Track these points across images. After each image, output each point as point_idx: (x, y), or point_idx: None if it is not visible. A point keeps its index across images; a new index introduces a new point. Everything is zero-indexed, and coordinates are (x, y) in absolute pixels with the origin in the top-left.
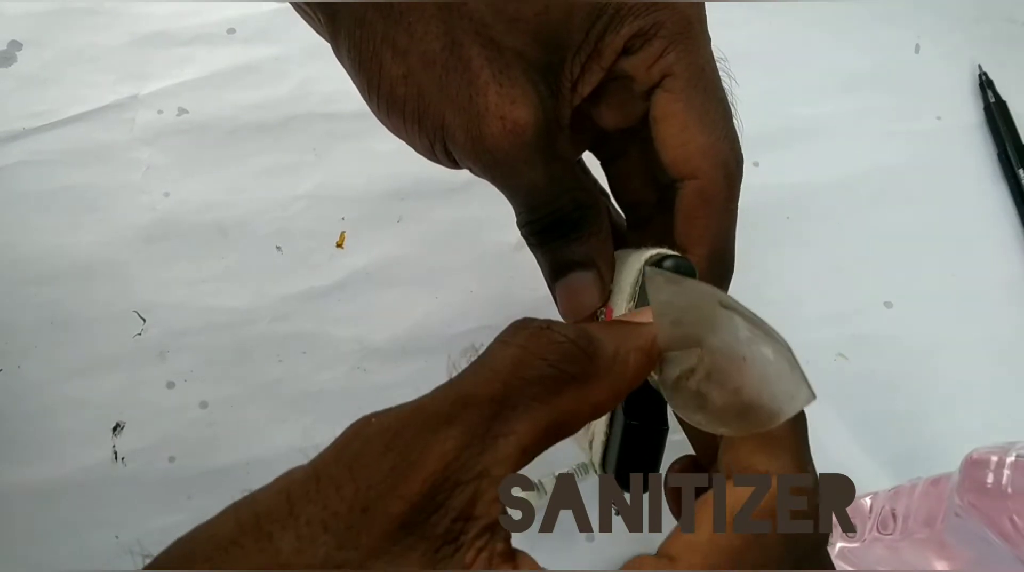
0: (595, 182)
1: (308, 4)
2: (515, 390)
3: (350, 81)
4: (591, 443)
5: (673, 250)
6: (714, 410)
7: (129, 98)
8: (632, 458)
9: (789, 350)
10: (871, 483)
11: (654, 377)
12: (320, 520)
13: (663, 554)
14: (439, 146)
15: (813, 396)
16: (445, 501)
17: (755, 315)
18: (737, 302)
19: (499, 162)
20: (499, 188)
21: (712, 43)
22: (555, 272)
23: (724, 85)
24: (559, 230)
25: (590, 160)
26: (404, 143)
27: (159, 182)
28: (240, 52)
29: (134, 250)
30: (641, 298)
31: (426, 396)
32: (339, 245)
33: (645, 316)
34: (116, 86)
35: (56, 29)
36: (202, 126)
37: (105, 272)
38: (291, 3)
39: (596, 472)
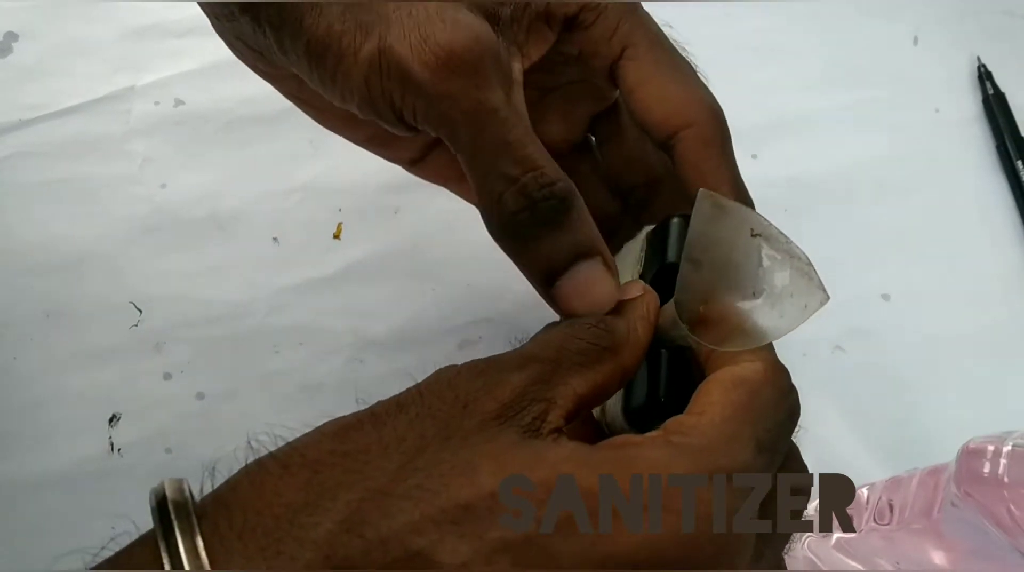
0: None
1: (247, 12)
2: (565, 357)
3: None
4: (603, 407)
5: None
6: (722, 337)
7: (125, 89)
8: (670, 381)
9: (807, 264)
10: (868, 474)
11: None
12: (428, 413)
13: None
14: (375, 79)
15: (827, 297)
16: (527, 406)
17: (781, 234)
18: (767, 224)
19: (449, 72)
20: (457, 138)
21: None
22: (551, 271)
23: (677, 45)
24: (548, 202)
25: None
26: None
27: (155, 174)
28: None
29: (130, 241)
30: (646, 271)
31: (494, 356)
32: (336, 237)
33: (634, 290)
34: (112, 77)
35: (52, 20)
36: (199, 118)
37: (101, 264)
38: (230, 38)
39: (623, 426)
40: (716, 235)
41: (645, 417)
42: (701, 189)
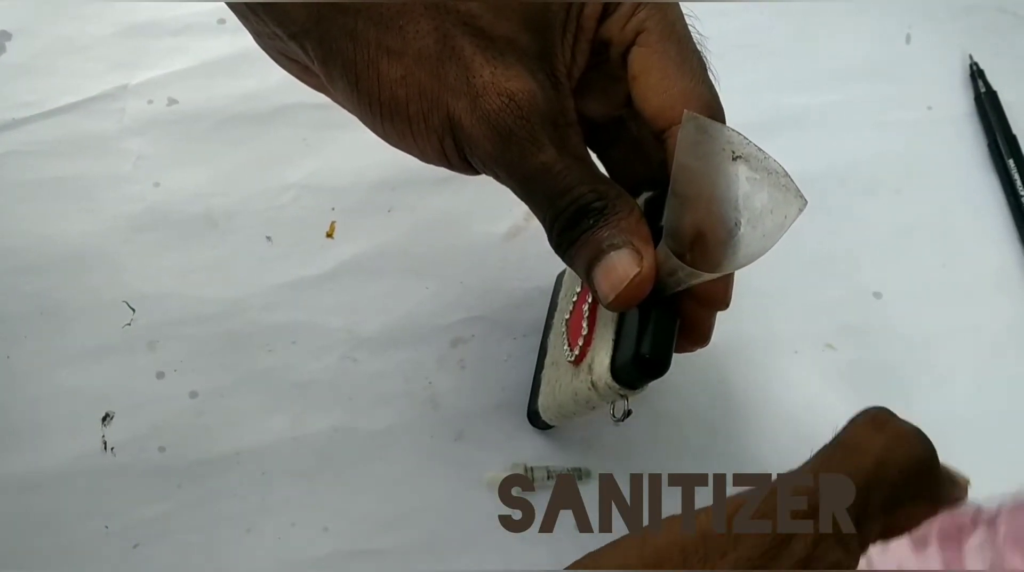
0: None
1: (294, 39)
2: None
3: None
4: (591, 365)
5: None
6: (713, 264)
7: (119, 88)
8: (656, 339)
9: (784, 176)
10: None
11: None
12: None
13: None
14: (448, 141)
15: (804, 202)
16: None
17: (759, 151)
18: (746, 143)
19: (507, 142)
20: (518, 189)
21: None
22: (589, 267)
23: (695, 38)
24: (585, 219)
25: None
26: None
27: (149, 172)
28: (230, 42)
29: (124, 240)
30: None
31: None
32: (329, 235)
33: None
34: (106, 76)
35: (46, 19)
36: (192, 116)
37: (95, 262)
38: (273, 54)
39: (608, 382)
40: (700, 166)
41: (631, 374)
42: (686, 111)
